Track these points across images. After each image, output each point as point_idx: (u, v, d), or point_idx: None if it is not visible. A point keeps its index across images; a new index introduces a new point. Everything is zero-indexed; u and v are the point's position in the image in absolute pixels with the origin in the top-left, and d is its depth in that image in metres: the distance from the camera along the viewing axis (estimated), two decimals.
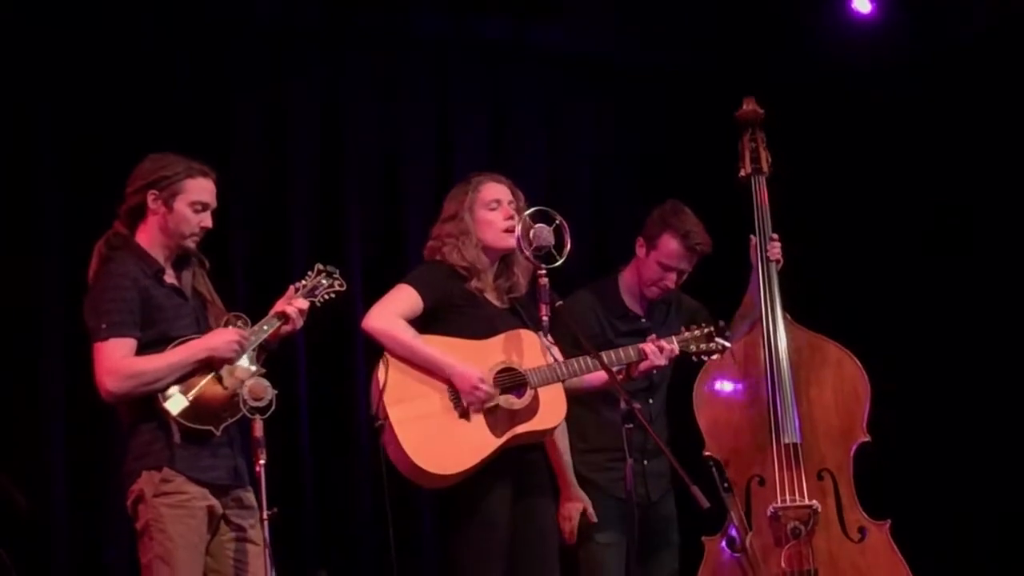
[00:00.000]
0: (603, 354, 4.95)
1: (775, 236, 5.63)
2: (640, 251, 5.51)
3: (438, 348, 4.88)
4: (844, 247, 7.02)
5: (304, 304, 4.67)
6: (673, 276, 5.46)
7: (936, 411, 6.78)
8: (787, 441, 5.44)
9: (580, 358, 4.93)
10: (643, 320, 5.53)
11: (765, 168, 5.71)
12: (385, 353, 4.87)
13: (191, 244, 4.64)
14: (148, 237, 4.62)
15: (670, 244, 5.42)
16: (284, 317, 4.65)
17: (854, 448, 5.45)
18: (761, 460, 5.46)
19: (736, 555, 5.40)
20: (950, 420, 6.78)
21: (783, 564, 5.36)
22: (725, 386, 5.61)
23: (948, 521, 6.70)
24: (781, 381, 5.49)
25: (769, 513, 5.41)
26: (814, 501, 5.39)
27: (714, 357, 5.21)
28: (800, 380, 5.53)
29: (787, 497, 5.40)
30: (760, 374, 5.54)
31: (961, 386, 6.77)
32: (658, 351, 5.08)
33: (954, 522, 6.72)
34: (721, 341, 5.17)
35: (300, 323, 4.67)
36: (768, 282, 5.58)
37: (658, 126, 7.15)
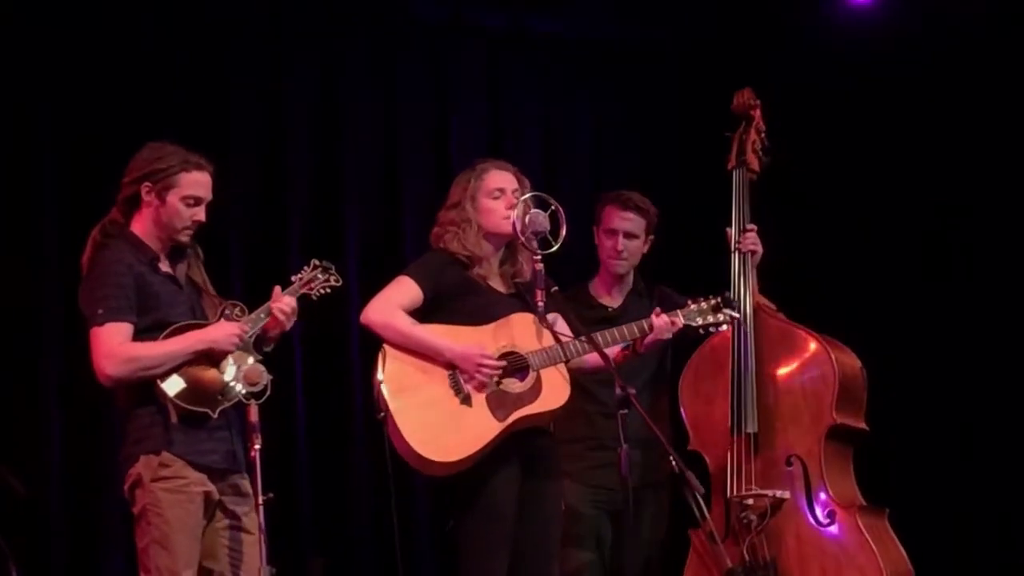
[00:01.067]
0: (608, 332, 4.98)
1: (751, 227, 5.67)
2: (596, 239, 5.65)
3: (438, 335, 4.89)
4: (842, 238, 7.02)
5: (290, 302, 4.65)
6: (619, 239, 5.56)
7: (934, 404, 6.79)
8: (747, 431, 5.47)
9: (580, 339, 4.93)
10: (611, 309, 5.61)
11: (752, 163, 5.74)
12: (384, 345, 4.89)
13: (183, 238, 4.65)
14: (143, 227, 4.62)
15: (606, 210, 5.60)
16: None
17: (824, 432, 5.44)
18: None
19: (715, 547, 5.40)
20: (948, 413, 6.79)
21: (745, 555, 5.39)
22: (706, 380, 5.65)
23: (948, 515, 6.70)
24: (745, 372, 5.52)
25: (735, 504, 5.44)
26: (776, 491, 5.40)
27: (722, 328, 5.19)
28: (768, 369, 5.56)
29: (745, 487, 5.42)
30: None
31: (959, 379, 6.79)
32: (664, 325, 5.06)
33: (953, 516, 6.73)
34: (729, 312, 5.14)
35: (289, 324, 4.67)
36: (741, 273, 5.61)
37: (656, 116, 7.19)
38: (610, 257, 5.61)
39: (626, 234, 5.57)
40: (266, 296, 4.70)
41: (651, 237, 5.65)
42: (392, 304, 4.93)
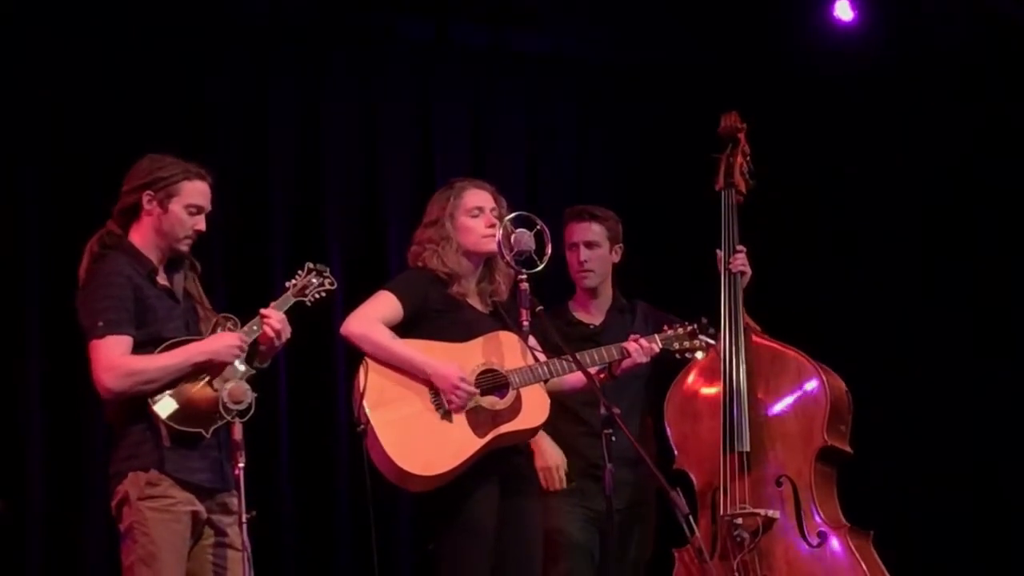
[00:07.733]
0: (587, 352, 5.02)
1: (741, 248, 5.70)
2: (566, 260, 5.65)
3: (418, 350, 4.89)
4: (823, 260, 7.05)
5: (280, 317, 4.62)
6: (580, 250, 5.59)
7: (917, 422, 6.81)
8: (739, 450, 5.48)
9: (561, 358, 4.95)
10: (592, 327, 5.61)
11: (739, 184, 5.77)
12: (365, 357, 4.90)
13: (184, 247, 4.64)
14: (142, 237, 4.61)
15: (566, 228, 5.63)
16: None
17: (815, 453, 5.46)
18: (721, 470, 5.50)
19: (704, 564, 5.41)
20: (931, 431, 6.81)
21: (736, 573, 5.39)
22: (693, 400, 5.66)
23: (927, 534, 6.72)
24: (737, 391, 5.53)
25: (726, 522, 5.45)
26: (767, 510, 5.42)
27: (699, 355, 5.24)
28: (758, 389, 5.57)
29: (737, 506, 5.43)
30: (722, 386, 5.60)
31: (945, 396, 6.81)
32: (640, 349, 5.10)
33: (932, 534, 6.76)
34: (705, 339, 5.18)
35: (281, 340, 4.62)
36: (731, 294, 5.63)
37: (638, 130, 7.21)
38: (577, 271, 5.63)
39: (586, 244, 5.59)
40: (249, 301, 4.70)
41: (618, 246, 5.66)
42: (372, 317, 4.94)
